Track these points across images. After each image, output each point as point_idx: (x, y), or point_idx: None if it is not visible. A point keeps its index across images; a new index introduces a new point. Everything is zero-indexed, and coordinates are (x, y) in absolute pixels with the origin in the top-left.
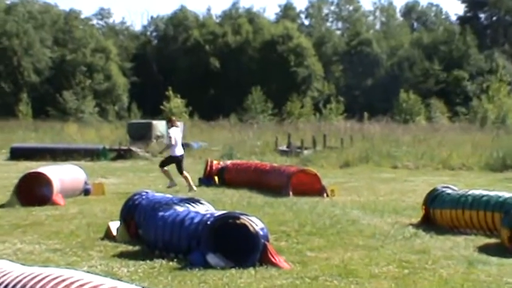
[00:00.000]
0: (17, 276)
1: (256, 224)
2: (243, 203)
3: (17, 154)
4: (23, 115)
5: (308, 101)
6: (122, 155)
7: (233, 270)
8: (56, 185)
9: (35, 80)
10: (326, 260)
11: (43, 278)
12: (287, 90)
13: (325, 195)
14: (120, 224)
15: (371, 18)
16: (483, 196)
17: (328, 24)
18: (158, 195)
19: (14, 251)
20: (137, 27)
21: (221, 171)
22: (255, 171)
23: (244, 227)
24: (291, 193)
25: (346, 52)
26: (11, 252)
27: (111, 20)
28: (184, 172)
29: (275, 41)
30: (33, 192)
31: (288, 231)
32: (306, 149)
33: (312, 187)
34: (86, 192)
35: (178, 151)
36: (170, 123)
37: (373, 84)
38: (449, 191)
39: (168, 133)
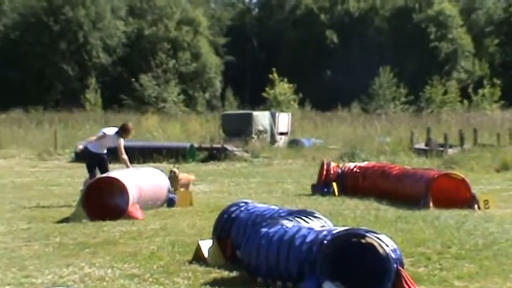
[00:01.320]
0: None
1: (386, 244)
2: (369, 217)
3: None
4: (90, 105)
5: (453, 85)
6: (214, 155)
7: None
8: (133, 194)
9: (105, 61)
10: None
11: None
12: (425, 72)
13: (476, 206)
14: (213, 243)
15: None
16: None
17: None
18: (261, 206)
19: (81, 276)
20: None
21: (341, 176)
22: (384, 176)
23: (372, 247)
24: (431, 204)
25: (504, 21)
26: (77, 279)
27: None
28: None
29: (409, 8)
30: (104, 202)
31: (428, 254)
32: (450, 147)
33: (458, 196)
34: (170, 202)
35: None
36: None
37: None
38: None
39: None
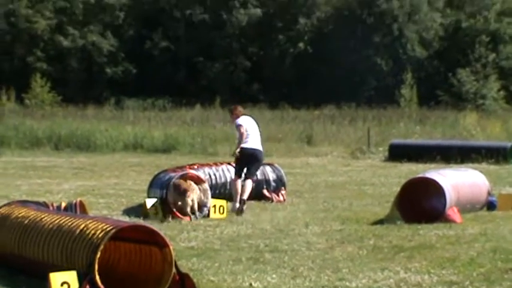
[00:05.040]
0: None
1: None
2: None
3: (398, 153)
4: (405, 101)
5: None
6: None
7: None
8: (450, 196)
9: (421, 55)
10: None
11: None
12: None
13: None
14: None
15: None
16: None
17: None
18: None
19: (396, 281)
20: None
21: None
22: None
23: None
24: None
25: None
26: (392, 284)
27: None
28: None
29: None
30: (419, 204)
31: None
32: None
33: None
34: (490, 206)
35: None
36: None
37: None
38: None
39: None
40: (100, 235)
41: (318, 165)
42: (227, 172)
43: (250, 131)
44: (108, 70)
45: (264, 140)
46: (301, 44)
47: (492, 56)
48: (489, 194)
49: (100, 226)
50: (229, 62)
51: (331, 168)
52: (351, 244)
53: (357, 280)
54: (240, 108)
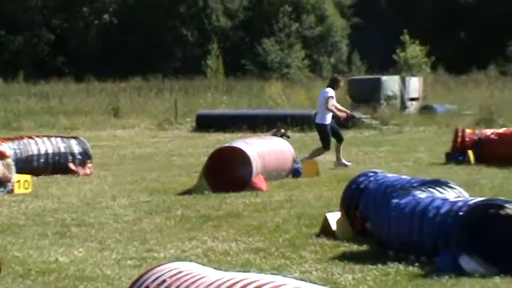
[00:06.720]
0: (211, 284)
1: None
2: (509, 187)
3: (205, 123)
4: (212, 72)
5: None
6: (341, 123)
7: (497, 279)
8: (256, 164)
9: (226, 25)
10: None
11: (245, 286)
12: None
13: None
14: (341, 215)
15: None
16: None
17: None
18: (391, 176)
19: (204, 250)
20: None
21: (477, 144)
22: None
23: (511, 219)
24: None
25: None
26: (200, 253)
27: None
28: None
29: None
30: (227, 173)
31: None
32: None
33: None
34: (295, 173)
35: None
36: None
37: None
38: None
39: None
40: None
41: (125, 137)
42: (32, 146)
43: None
44: None
45: (70, 113)
46: (106, 16)
47: (295, 25)
48: (294, 161)
49: None
50: (32, 35)
51: (139, 140)
52: (159, 215)
53: (165, 251)
54: None
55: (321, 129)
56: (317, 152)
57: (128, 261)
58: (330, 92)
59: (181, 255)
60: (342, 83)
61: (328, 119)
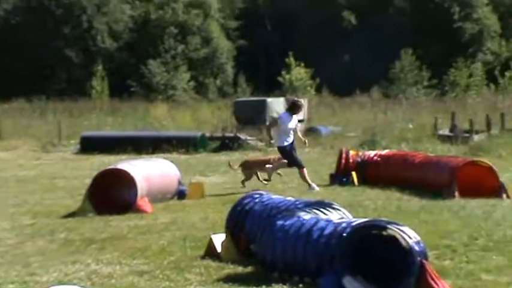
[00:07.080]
0: None
1: (409, 236)
2: (391, 207)
3: (90, 145)
4: (97, 93)
5: (479, 68)
6: (227, 144)
7: None
8: (141, 186)
9: (111, 47)
10: (508, 286)
11: None
12: (449, 54)
13: (504, 196)
14: (226, 237)
15: None
16: None
17: None
18: (276, 197)
19: (87, 273)
20: None
21: (360, 165)
22: (406, 165)
23: (394, 240)
24: (456, 194)
25: None
26: (83, 276)
27: None
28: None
29: None
30: (111, 196)
31: (453, 246)
32: (476, 133)
33: (485, 185)
34: (180, 195)
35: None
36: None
37: None
38: None
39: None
40: None
41: (7, 159)
42: None
43: None
44: None
45: None
46: None
47: (181, 47)
48: (179, 183)
49: None
50: None
51: (22, 163)
52: (42, 238)
53: (48, 274)
54: None
55: (281, 151)
56: (281, 165)
57: (9, 286)
58: (283, 115)
59: (64, 279)
60: (301, 109)
61: (286, 141)
